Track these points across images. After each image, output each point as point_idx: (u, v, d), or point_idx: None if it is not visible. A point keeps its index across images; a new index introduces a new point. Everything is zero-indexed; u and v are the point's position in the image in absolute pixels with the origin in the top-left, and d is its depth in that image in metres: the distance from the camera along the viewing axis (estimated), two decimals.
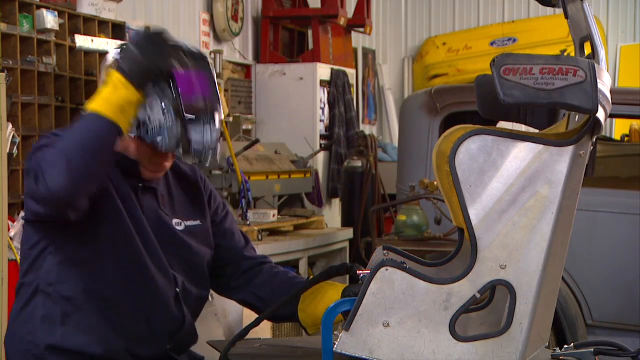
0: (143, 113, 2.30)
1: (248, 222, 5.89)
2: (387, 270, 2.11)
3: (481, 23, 11.61)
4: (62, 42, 5.48)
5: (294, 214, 6.76)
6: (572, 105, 2.00)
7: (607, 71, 2.09)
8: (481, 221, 2.07)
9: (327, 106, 8.35)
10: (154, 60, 2.22)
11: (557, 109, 2.32)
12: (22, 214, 2.65)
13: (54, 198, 2.16)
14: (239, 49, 8.21)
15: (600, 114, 2.02)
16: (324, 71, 8.29)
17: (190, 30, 7.38)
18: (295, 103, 8.17)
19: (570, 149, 2.07)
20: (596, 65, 2.02)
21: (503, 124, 6.10)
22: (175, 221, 2.54)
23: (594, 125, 2.06)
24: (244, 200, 5.95)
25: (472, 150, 2.06)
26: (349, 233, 6.96)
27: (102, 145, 2.19)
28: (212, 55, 7.40)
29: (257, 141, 6.57)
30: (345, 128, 8.50)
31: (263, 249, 5.42)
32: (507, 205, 2.07)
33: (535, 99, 1.99)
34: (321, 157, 8.17)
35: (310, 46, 8.81)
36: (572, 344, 2.32)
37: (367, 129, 10.01)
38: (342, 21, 8.67)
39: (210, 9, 7.71)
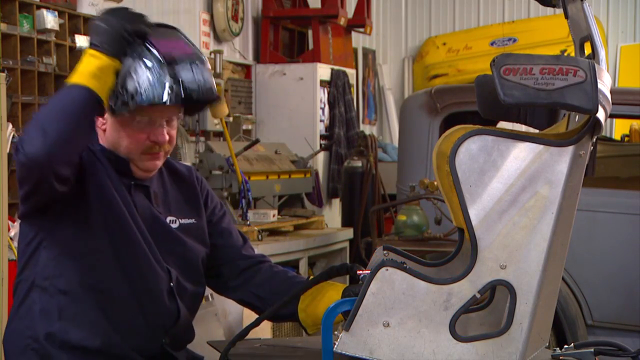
0: (131, 83, 2.31)
1: (248, 222, 5.88)
2: (387, 270, 2.11)
3: (481, 23, 11.60)
4: (62, 42, 5.48)
5: (294, 214, 6.76)
6: (572, 105, 2.00)
7: (607, 71, 2.09)
8: (481, 221, 2.07)
9: (327, 106, 8.35)
10: (120, 26, 2.27)
11: (557, 109, 2.32)
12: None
13: (32, 163, 2.21)
14: (239, 49, 8.21)
15: (600, 114, 2.02)
16: (324, 71, 8.29)
17: (190, 30, 7.37)
18: (295, 103, 8.17)
19: (570, 149, 2.07)
20: (596, 65, 2.02)
21: (503, 124, 6.09)
22: (169, 219, 2.55)
23: (594, 125, 2.06)
24: (244, 200, 5.95)
25: (472, 150, 2.06)
26: (349, 233, 6.95)
27: (76, 109, 2.22)
28: (212, 55, 7.40)
29: (257, 141, 6.57)
30: (345, 128, 8.49)
31: (263, 249, 5.42)
32: (507, 205, 2.07)
33: (535, 99, 1.99)
34: (321, 157, 8.17)
35: (310, 46, 8.81)
36: (572, 344, 2.32)
37: (367, 129, 10.01)
38: (342, 21, 8.67)
39: (210, 9, 7.71)
